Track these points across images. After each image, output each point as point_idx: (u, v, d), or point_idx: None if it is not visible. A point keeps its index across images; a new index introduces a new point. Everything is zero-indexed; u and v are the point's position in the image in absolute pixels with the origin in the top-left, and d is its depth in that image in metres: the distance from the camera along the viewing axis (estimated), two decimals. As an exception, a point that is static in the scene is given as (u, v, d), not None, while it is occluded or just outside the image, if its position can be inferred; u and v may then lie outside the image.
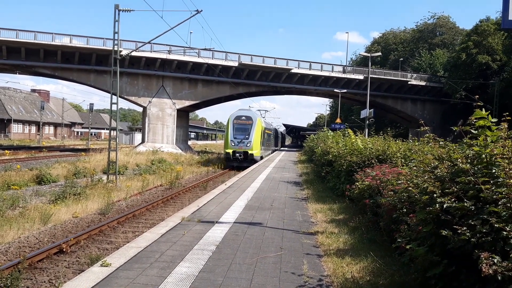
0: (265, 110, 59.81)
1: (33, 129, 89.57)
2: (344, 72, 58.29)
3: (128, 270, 6.05)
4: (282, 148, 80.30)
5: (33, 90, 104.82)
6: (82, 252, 9.99)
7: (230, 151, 34.85)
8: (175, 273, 6.01)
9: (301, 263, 6.74)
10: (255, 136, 35.15)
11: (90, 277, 5.69)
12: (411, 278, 5.53)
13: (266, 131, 41.83)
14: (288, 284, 5.75)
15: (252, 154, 34.65)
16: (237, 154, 34.54)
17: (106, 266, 6.12)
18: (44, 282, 7.94)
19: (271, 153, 52.29)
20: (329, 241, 8.23)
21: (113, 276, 5.77)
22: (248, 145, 34.66)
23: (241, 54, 52.52)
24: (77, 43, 46.96)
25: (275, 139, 62.83)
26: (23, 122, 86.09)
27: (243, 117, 36.00)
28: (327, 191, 15.70)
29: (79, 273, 6.79)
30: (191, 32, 76.74)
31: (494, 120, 4.84)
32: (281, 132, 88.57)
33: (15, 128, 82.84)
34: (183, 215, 10.27)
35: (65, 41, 46.67)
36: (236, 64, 51.35)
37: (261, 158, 38.04)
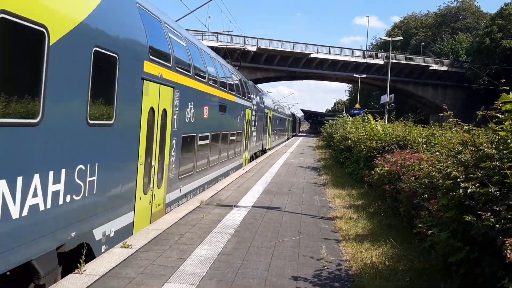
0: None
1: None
2: (364, 57, 57.56)
3: (148, 252, 6.13)
4: (299, 134, 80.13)
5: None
6: (103, 233, 10.15)
7: None
8: (194, 255, 6.06)
9: (320, 248, 6.73)
10: None
11: (111, 257, 5.77)
12: (431, 264, 5.48)
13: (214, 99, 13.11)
14: (306, 268, 5.75)
15: None
16: None
17: (127, 248, 6.21)
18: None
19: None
20: (347, 226, 8.20)
21: (133, 257, 5.85)
22: None
23: (259, 38, 52.26)
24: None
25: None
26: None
27: None
28: (346, 177, 15.61)
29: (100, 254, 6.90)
30: (209, 17, 76.83)
31: (522, 104, 4.70)
32: (298, 117, 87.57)
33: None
34: (201, 198, 10.34)
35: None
36: (254, 48, 51.07)
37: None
